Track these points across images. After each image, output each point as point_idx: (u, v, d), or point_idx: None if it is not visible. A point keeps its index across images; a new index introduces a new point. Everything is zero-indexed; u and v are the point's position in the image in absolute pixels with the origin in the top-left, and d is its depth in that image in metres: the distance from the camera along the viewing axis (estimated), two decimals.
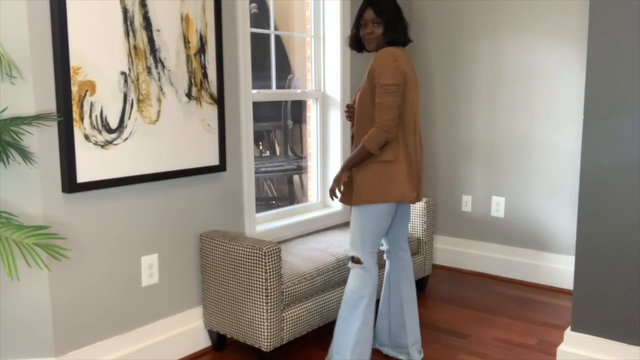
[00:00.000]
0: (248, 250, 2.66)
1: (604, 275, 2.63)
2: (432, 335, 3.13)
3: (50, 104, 2.31)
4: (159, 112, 2.65)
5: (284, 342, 2.75)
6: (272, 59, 3.58)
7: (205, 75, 2.82)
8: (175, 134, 2.72)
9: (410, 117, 2.51)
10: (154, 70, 2.61)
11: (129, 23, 2.49)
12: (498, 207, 4.07)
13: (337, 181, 2.53)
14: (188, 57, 2.74)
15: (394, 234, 2.74)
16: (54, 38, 2.28)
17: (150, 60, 2.59)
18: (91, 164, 2.41)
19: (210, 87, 2.85)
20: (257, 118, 3.34)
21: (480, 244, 4.18)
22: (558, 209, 3.81)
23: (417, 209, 3.67)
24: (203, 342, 2.97)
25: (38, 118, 2.22)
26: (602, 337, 2.65)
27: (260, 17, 3.93)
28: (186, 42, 2.73)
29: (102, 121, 2.43)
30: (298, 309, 2.79)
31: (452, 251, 4.31)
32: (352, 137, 2.65)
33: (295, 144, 4.56)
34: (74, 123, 2.34)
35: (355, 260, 2.56)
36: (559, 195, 3.80)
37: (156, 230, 2.73)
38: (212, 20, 2.83)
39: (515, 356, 2.92)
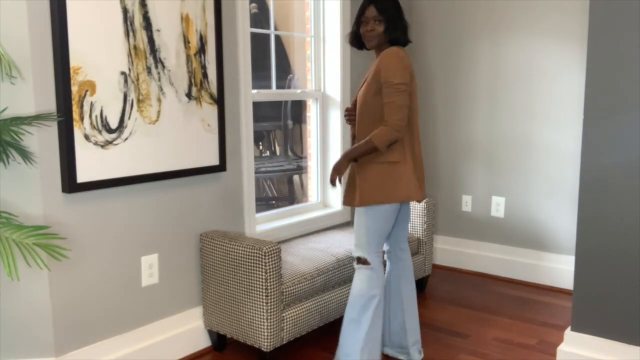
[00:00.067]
0: (248, 250, 2.66)
1: (604, 275, 2.62)
2: (432, 335, 3.13)
3: (50, 104, 2.31)
4: (159, 112, 2.65)
5: (284, 342, 2.75)
6: (272, 59, 3.58)
7: (205, 75, 2.82)
8: (175, 134, 2.72)
9: (414, 117, 2.51)
10: (154, 70, 2.61)
11: (129, 23, 2.49)
12: (498, 207, 4.07)
13: (337, 171, 2.51)
14: (188, 57, 2.74)
15: (394, 234, 2.74)
16: (54, 38, 2.28)
17: (150, 60, 2.59)
18: (91, 164, 2.41)
19: (210, 87, 2.85)
20: (257, 118, 3.34)
21: (480, 244, 4.18)
22: (558, 209, 3.81)
23: (417, 209, 3.67)
24: (203, 342, 2.97)
25: (38, 118, 2.22)
26: (602, 337, 2.65)
27: (260, 17, 3.93)
28: (186, 42, 2.73)
29: (102, 121, 2.43)
30: (298, 309, 2.79)
31: (452, 251, 4.31)
32: (353, 137, 2.65)
33: (295, 144, 4.56)
34: (74, 123, 2.34)
35: (362, 261, 2.55)
36: (559, 195, 3.80)
37: (156, 230, 2.73)
38: (212, 20, 2.83)
39: (515, 356, 2.92)
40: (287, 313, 2.74)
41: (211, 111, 2.88)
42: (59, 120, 2.31)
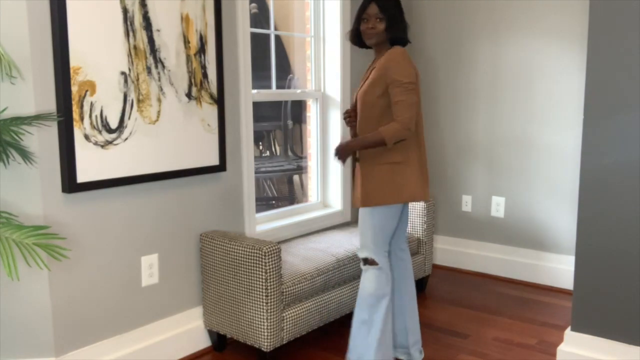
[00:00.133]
0: (248, 250, 2.66)
1: (604, 275, 2.62)
2: (432, 335, 3.13)
3: (50, 104, 2.31)
4: (159, 112, 2.65)
5: (284, 342, 2.75)
6: (272, 59, 3.58)
7: (205, 75, 2.82)
8: (175, 134, 2.72)
9: (419, 117, 2.51)
10: (154, 70, 2.61)
11: (129, 23, 2.49)
12: (498, 207, 4.07)
13: (342, 154, 2.51)
14: (188, 57, 2.74)
15: (395, 235, 2.73)
16: (54, 38, 2.28)
17: (150, 60, 2.59)
18: (91, 164, 2.41)
19: (210, 87, 2.85)
20: (257, 118, 3.34)
21: (480, 244, 4.18)
22: (558, 209, 3.81)
23: (417, 209, 3.67)
24: (203, 342, 2.97)
25: (38, 118, 2.22)
26: (602, 337, 2.65)
27: (260, 17, 3.93)
28: (186, 42, 2.73)
29: (102, 121, 2.43)
30: (298, 309, 2.79)
31: (452, 251, 4.31)
32: (353, 137, 2.65)
33: (295, 144, 4.56)
34: (74, 123, 2.34)
35: (370, 261, 2.55)
36: (559, 195, 3.80)
37: (156, 230, 2.73)
38: (212, 20, 2.83)
39: (515, 356, 2.92)
40: (287, 313, 2.74)
41: (211, 111, 2.88)
42: (59, 120, 2.31)
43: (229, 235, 2.85)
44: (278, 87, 3.67)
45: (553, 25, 3.71)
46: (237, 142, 3.08)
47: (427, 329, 3.19)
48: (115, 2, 2.43)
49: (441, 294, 3.80)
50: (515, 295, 3.75)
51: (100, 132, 2.43)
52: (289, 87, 4.14)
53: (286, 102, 4.23)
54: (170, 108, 2.69)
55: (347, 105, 3.75)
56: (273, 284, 2.64)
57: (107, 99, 2.44)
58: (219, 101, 2.91)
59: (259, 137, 4.45)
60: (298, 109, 4.22)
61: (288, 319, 2.73)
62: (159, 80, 2.63)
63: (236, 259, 2.71)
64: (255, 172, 3.23)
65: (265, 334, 2.66)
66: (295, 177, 4.51)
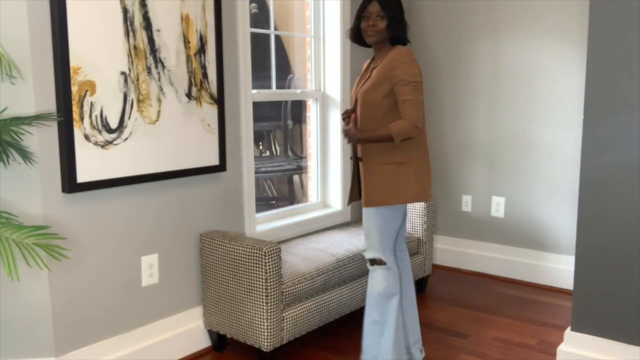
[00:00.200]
0: (248, 250, 2.66)
1: (604, 275, 2.62)
2: (432, 335, 3.13)
3: (50, 104, 2.31)
4: (159, 112, 2.65)
5: (284, 342, 2.75)
6: (272, 59, 3.58)
7: (205, 75, 2.82)
8: (175, 134, 2.72)
9: (423, 116, 2.51)
10: (154, 70, 2.61)
11: (129, 23, 2.49)
12: (498, 207, 4.07)
13: (351, 139, 2.48)
14: (188, 57, 2.74)
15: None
16: (54, 38, 2.28)
17: (150, 60, 2.59)
18: (91, 164, 2.41)
19: (210, 87, 2.85)
20: (257, 118, 3.34)
21: (480, 244, 4.18)
22: (558, 209, 3.81)
23: (417, 209, 3.67)
24: (203, 342, 2.97)
25: (38, 118, 2.22)
26: (602, 337, 2.65)
27: (260, 17, 3.93)
28: (186, 42, 2.73)
29: (102, 121, 2.43)
30: (298, 309, 2.79)
31: (452, 251, 4.31)
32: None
33: (295, 144, 4.56)
34: (74, 123, 2.34)
35: (378, 262, 2.55)
36: (559, 195, 3.80)
37: (156, 230, 2.73)
38: (212, 20, 2.83)
39: (515, 356, 2.92)
40: (287, 313, 2.74)
41: (211, 111, 2.88)
42: (59, 120, 2.31)
43: (229, 235, 2.85)
44: (278, 87, 3.67)
45: (553, 25, 3.71)
46: (237, 142, 3.08)
47: (427, 329, 3.19)
48: (115, 2, 2.43)
49: (441, 294, 3.80)
50: (515, 295, 3.75)
51: (100, 132, 2.43)
52: (289, 87, 4.14)
53: (286, 102, 4.23)
54: (170, 108, 2.69)
55: (347, 105, 3.75)
56: (273, 284, 2.64)
57: (107, 99, 2.44)
58: (219, 101, 2.91)
59: (259, 137, 4.45)
60: (298, 109, 4.22)
61: (288, 319, 2.73)
62: (159, 80, 2.63)
63: (236, 259, 2.71)
64: (255, 172, 3.23)
65: (265, 334, 2.66)
66: (295, 177, 4.51)
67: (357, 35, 2.58)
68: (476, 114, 4.10)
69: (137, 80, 2.55)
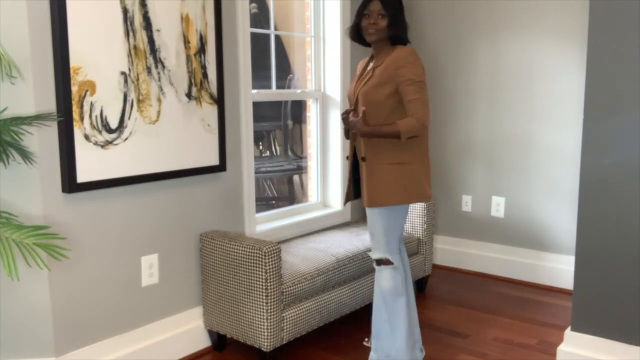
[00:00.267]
0: (248, 250, 2.66)
1: (604, 275, 2.62)
2: (432, 335, 3.13)
3: (50, 104, 2.31)
4: (159, 112, 2.65)
5: (284, 342, 2.75)
6: (272, 59, 3.58)
7: (205, 75, 2.82)
8: (175, 134, 2.72)
9: None
10: (154, 70, 2.61)
11: (129, 23, 2.49)
12: (498, 207, 4.07)
13: (357, 130, 2.44)
14: (188, 57, 2.74)
15: None
16: (54, 38, 2.28)
17: (150, 60, 2.59)
18: (91, 164, 2.41)
19: (210, 87, 2.85)
20: (257, 118, 3.34)
21: (480, 244, 4.18)
22: (558, 209, 3.81)
23: (417, 209, 3.67)
24: (203, 342, 2.97)
25: (38, 118, 2.22)
26: (602, 337, 2.65)
27: (260, 17, 3.93)
28: (186, 42, 2.73)
29: (102, 121, 2.43)
30: (298, 309, 2.79)
31: (452, 251, 4.31)
32: (346, 132, 2.64)
33: (295, 144, 4.56)
34: (74, 123, 2.34)
35: (385, 262, 2.56)
36: (559, 195, 3.80)
37: (156, 230, 2.73)
38: (212, 20, 2.83)
39: (515, 356, 2.92)
40: (287, 313, 2.74)
41: (211, 111, 2.88)
42: (59, 120, 2.31)
43: (229, 235, 2.85)
44: (278, 87, 3.67)
45: (553, 25, 3.71)
46: (237, 142, 3.08)
47: (427, 329, 3.19)
48: (115, 2, 2.43)
49: (441, 294, 3.80)
50: (515, 295, 3.75)
51: (100, 132, 2.43)
52: (289, 87, 4.14)
53: (286, 102, 4.23)
54: (170, 108, 2.69)
55: (347, 105, 3.74)
56: (273, 284, 2.64)
57: (107, 99, 2.44)
58: (219, 101, 2.91)
59: (259, 137, 4.45)
60: (298, 109, 4.22)
61: (288, 319, 2.73)
62: (159, 80, 2.63)
63: (236, 259, 2.71)
64: (255, 172, 3.23)
65: (265, 334, 2.66)
66: (295, 177, 4.50)
67: (357, 33, 2.57)
68: (476, 114, 4.10)
69: (137, 80, 2.55)
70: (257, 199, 3.73)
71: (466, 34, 4.08)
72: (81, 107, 2.36)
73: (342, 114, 2.59)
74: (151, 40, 2.58)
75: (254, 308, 2.68)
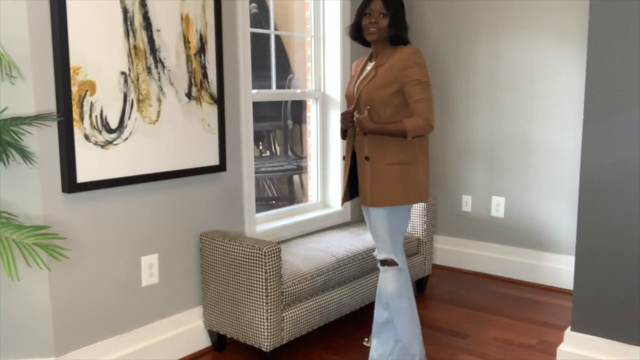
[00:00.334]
0: (248, 250, 2.66)
1: (604, 275, 2.62)
2: (432, 335, 3.13)
3: (50, 104, 2.31)
4: (159, 112, 2.65)
5: (284, 342, 2.75)
6: (272, 59, 3.58)
7: (205, 75, 2.82)
8: (175, 134, 2.72)
9: None
10: (154, 70, 2.61)
11: (129, 23, 2.49)
12: (498, 207, 4.07)
13: (363, 128, 2.42)
14: (188, 57, 2.74)
15: None
16: (54, 38, 2.28)
17: (150, 60, 2.59)
18: (91, 164, 2.41)
19: (210, 87, 2.85)
20: (257, 118, 3.34)
21: (480, 244, 4.18)
22: (558, 209, 3.81)
23: (417, 209, 3.67)
24: (203, 342, 2.97)
25: (38, 118, 2.22)
26: (602, 337, 2.65)
27: (260, 17, 3.93)
28: (186, 42, 2.73)
29: (102, 121, 2.43)
30: (298, 309, 2.79)
31: (452, 251, 4.31)
32: (344, 133, 2.64)
33: (295, 144, 4.56)
34: (74, 123, 2.34)
35: (390, 262, 2.55)
36: (559, 195, 3.80)
37: (156, 230, 2.73)
38: (212, 20, 2.83)
39: (515, 356, 2.92)
40: (287, 313, 2.74)
41: (211, 111, 2.88)
42: (59, 120, 2.31)
43: (229, 235, 2.85)
44: (278, 87, 3.67)
45: (553, 25, 3.71)
46: (237, 142, 3.08)
47: (427, 329, 3.19)
48: (115, 2, 2.43)
49: (441, 294, 3.80)
50: (515, 295, 3.75)
51: (100, 132, 2.43)
52: (289, 87, 4.14)
53: (286, 102, 4.23)
54: (170, 108, 2.69)
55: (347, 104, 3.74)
56: (273, 284, 2.64)
57: (107, 99, 2.44)
58: (219, 101, 2.91)
59: (259, 137, 4.45)
60: (298, 109, 4.22)
61: (288, 319, 2.73)
62: (159, 80, 2.63)
63: (236, 259, 2.71)
64: (255, 172, 3.23)
65: (265, 334, 2.66)
66: (295, 177, 4.50)
67: (357, 32, 2.56)
68: (476, 114, 4.10)
69: (137, 80, 2.55)
70: (257, 199, 3.73)
71: (466, 34, 4.08)
72: (81, 107, 2.36)
73: (343, 114, 2.58)
74: (151, 40, 2.58)
75: (254, 308, 2.68)
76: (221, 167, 2.95)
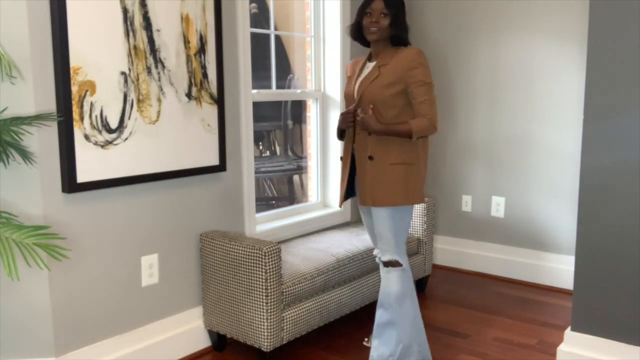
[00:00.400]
0: (248, 250, 2.66)
1: (604, 275, 2.62)
2: (432, 335, 3.13)
3: (50, 104, 2.31)
4: (159, 112, 2.65)
5: (284, 342, 2.75)
6: (272, 59, 3.58)
7: (205, 75, 2.82)
8: (175, 134, 2.72)
9: None
10: (154, 70, 2.61)
11: (129, 23, 2.49)
12: (498, 207, 4.07)
13: (368, 127, 2.41)
14: (188, 57, 2.74)
15: None
16: (54, 38, 2.28)
17: (150, 60, 2.59)
18: (91, 164, 2.41)
19: (210, 87, 2.85)
20: (257, 118, 3.34)
21: (480, 244, 4.18)
22: (558, 209, 3.81)
23: (417, 209, 3.67)
24: (203, 342, 2.97)
25: (38, 118, 2.22)
26: (602, 337, 2.65)
27: (260, 17, 3.93)
28: (186, 42, 2.73)
29: (102, 121, 2.43)
30: (298, 309, 2.79)
31: (452, 251, 4.31)
32: (341, 133, 2.64)
33: (295, 144, 4.56)
34: (74, 123, 2.34)
35: (394, 263, 2.55)
36: (559, 195, 3.80)
37: (156, 230, 2.73)
38: (212, 20, 2.83)
39: (515, 356, 2.92)
40: (287, 313, 2.74)
41: (211, 111, 2.88)
42: (59, 120, 2.31)
43: (229, 235, 2.85)
44: (278, 87, 3.67)
45: (553, 25, 3.71)
46: (237, 142, 3.08)
47: (427, 329, 3.16)
48: (115, 2, 2.43)
49: (441, 294, 3.80)
50: (515, 295, 3.75)
51: (100, 132, 2.43)
52: (289, 87, 4.14)
53: (286, 102, 4.23)
54: (170, 108, 2.69)
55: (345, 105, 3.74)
56: (273, 284, 2.64)
57: (107, 99, 2.44)
58: (219, 101, 2.91)
59: (259, 137, 4.45)
60: (298, 109, 4.22)
61: (288, 319, 2.73)
62: (159, 80, 2.63)
63: (236, 259, 2.71)
64: (255, 172, 3.23)
65: (265, 334, 2.66)
66: (295, 177, 4.50)
67: (357, 32, 2.56)
68: (476, 114, 4.10)
69: (137, 80, 2.55)
70: (257, 199, 3.73)
71: (466, 34, 4.08)
72: (81, 107, 2.36)
73: (343, 114, 2.57)
74: (151, 40, 2.58)
75: (254, 308, 2.68)
76: (221, 167, 2.95)
